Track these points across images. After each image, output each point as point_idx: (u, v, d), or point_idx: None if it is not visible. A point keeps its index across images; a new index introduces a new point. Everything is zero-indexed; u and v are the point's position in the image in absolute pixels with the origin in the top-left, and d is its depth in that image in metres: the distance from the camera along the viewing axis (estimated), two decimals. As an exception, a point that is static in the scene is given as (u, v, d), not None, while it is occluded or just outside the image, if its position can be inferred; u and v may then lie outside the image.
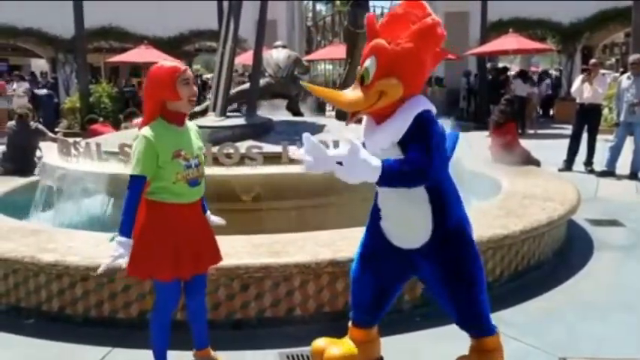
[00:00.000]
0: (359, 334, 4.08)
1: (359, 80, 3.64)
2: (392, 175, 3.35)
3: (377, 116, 3.64)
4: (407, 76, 3.54)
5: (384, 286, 3.97)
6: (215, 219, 4.14)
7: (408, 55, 3.50)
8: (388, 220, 3.80)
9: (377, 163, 3.29)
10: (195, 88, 3.81)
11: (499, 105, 11.62)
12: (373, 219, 3.91)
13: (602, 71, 16.29)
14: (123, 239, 3.61)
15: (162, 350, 4.01)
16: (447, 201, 3.68)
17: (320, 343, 4.07)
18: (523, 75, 22.48)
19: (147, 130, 3.69)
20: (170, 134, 3.73)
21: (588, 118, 12.47)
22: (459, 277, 3.74)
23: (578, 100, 12.69)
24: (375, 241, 3.91)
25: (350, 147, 3.27)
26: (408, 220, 3.72)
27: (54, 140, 9.71)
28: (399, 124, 3.50)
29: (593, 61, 13.98)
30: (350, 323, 4.12)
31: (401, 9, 3.61)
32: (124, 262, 3.70)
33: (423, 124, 3.47)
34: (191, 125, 4.01)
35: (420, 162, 3.38)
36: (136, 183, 3.64)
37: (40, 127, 10.74)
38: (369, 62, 3.58)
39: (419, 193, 3.60)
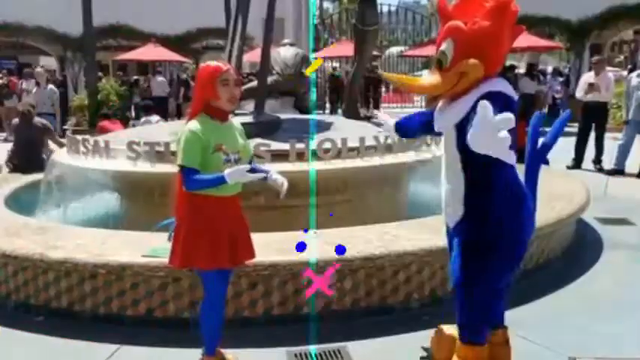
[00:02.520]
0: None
1: (437, 65, 3.63)
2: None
3: (454, 96, 3.62)
4: (486, 55, 3.51)
5: None
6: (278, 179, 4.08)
7: (486, 34, 3.48)
8: (442, 190, 3.84)
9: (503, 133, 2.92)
10: (236, 90, 3.85)
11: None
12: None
13: (609, 69, 16.18)
14: (226, 175, 3.66)
15: (212, 342, 4.06)
16: (487, 189, 3.59)
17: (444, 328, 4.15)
18: (530, 72, 22.41)
19: (192, 124, 3.80)
20: (212, 129, 3.80)
21: (594, 116, 12.43)
22: (462, 280, 3.71)
23: (582, 99, 12.64)
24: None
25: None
26: (448, 192, 3.76)
27: (60, 145, 9.74)
28: (465, 104, 3.50)
29: (596, 57, 13.90)
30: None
31: None
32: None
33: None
34: (236, 123, 4.10)
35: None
36: (187, 174, 3.72)
37: (48, 125, 10.75)
38: (445, 45, 3.58)
39: (455, 164, 3.63)
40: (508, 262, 3.77)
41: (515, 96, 3.59)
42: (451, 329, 4.07)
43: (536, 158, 3.97)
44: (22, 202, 7.36)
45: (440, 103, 3.77)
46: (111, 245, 5.19)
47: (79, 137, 7.24)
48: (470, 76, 3.51)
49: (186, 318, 4.86)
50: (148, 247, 4.96)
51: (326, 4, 44.34)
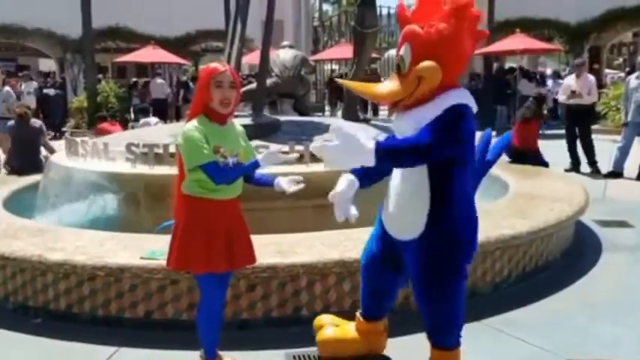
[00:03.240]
0: (362, 325, 4.22)
1: (396, 70, 3.61)
2: (387, 153, 3.29)
3: (415, 103, 3.55)
4: (444, 58, 3.45)
5: (384, 279, 4.03)
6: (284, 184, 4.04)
7: (443, 37, 3.43)
8: (389, 208, 3.79)
9: (370, 144, 3.22)
10: (231, 92, 3.80)
11: (527, 101, 11.82)
12: (380, 210, 3.95)
13: (608, 71, 16.21)
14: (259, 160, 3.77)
15: (211, 345, 4.04)
16: (450, 200, 3.56)
17: (324, 319, 4.32)
18: (527, 74, 22.45)
19: (190, 124, 3.79)
20: (210, 131, 3.78)
21: (577, 119, 12.42)
22: (437, 283, 3.67)
23: (565, 102, 12.70)
24: (378, 233, 3.97)
25: (339, 132, 3.22)
26: (405, 208, 3.67)
27: (50, 150, 9.77)
28: (426, 112, 3.44)
29: (578, 60, 13.94)
30: (358, 313, 4.24)
31: None
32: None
33: (450, 119, 3.38)
34: (237, 125, 4.08)
35: (416, 140, 3.34)
36: (210, 169, 3.69)
37: (43, 127, 10.76)
38: (403, 50, 3.55)
39: (421, 182, 3.54)
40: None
41: (475, 107, 3.56)
42: (335, 329, 4.26)
43: (480, 172, 4.00)
44: (20, 204, 7.34)
45: (397, 111, 3.72)
46: (109, 247, 5.18)
47: (78, 139, 7.24)
48: (428, 80, 3.46)
49: (184, 320, 4.84)
50: (146, 250, 4.96)
51: (325, 7, 44.34)
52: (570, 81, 12.72)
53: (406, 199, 3.66)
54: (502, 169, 8.63)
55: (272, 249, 4.92)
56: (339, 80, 4.10)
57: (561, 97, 12.91)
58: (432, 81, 3.45)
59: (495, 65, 25.02)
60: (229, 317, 4.66)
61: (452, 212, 3.58)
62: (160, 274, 4.72)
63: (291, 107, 10.20)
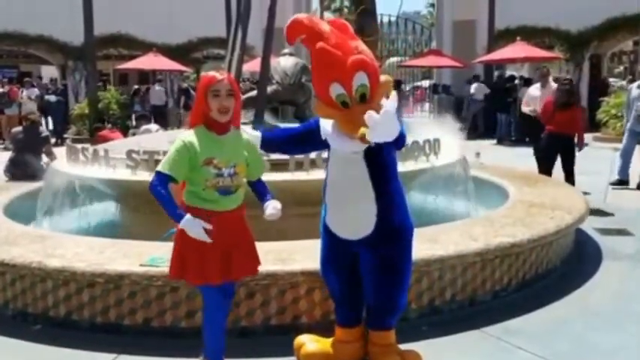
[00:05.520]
0: (342, 333, 4.33)
1: (360, 100, 3.79)
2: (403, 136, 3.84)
3: None
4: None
5: (345, 281, 4.24)
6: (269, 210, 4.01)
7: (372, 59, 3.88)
8: (334, 212, 4.08)
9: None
10: (228, 102, 3.80)
11: (560, 85, 11.04)
12: (323, 218, 4.20)
13: (612, 80, 16.13)
14: (183, 220, 3.71)
15: (216, 353, 4.06)
16: (393, 198, 4.00)
17: (302, 338, 4.40)
18: (529, 82, 22.43)
19: (185, 134, 3.82)
20: (207, 141, 3.79)
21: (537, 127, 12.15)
22: (393, 271, 4.06)
23: (530, 113, 12.29)
24: (327, 239, 4.22)
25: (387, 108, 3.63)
26: (353, 211, 3.99)
27: (52, 157, 9.77)
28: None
29: (542, 69, 13.56)
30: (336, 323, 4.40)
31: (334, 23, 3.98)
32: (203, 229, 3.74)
33: None
34: (243, 136, 4.04)
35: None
36: (158, 179, 3.74)
37: (49, 136, 10.79)
38: (363, 79, 3.77)
39: (365, 184, 3.93)
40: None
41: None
42: (316, 344, 4.35)
43: None
44: (20, 211, 7.34)
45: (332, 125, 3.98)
46: (109, 254, 5.17)
47: (79, 146, 7.24)
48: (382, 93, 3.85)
49: (183, 327, 4.85)
50: (146, 257, 4.96)
51: (327, 14, 44.35)
52: (535, 91, 12.60)
53: (353, 202, 3.98)
54: (502, 176, 8.65)
55: (272, 256, 4.90)
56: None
57: (525, 108, 12.67)
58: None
59: (496, 73, 25.03)
60: (229, 325, 4.66)
61: (395, 205, 4.01)
62: (160, 281, 4.72)
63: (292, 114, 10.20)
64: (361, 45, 3.88)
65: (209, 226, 3.72)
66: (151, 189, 3.75)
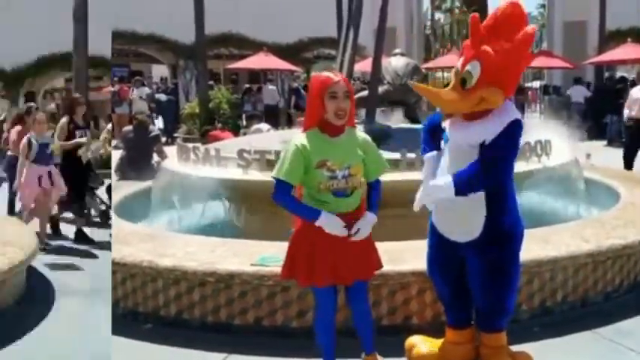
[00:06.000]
0: (453, 335, 4.26)
1: (459, 82, 3.72)
2: (463, 186, 3.67)
3: (469, 116, 3.78)
4: (508, 84, 3.75)
5: (452, 283, 4.16)
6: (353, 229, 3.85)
7: (512, 65, 3.70)
8: (441, 210, 3.98)
9: (447, 181, 3.70)
10: (345, 104, 3.70)
11: None
12: (432, 219, 4.12)
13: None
14: (320, 216, 3.67)
15: (329, 351, 4.04)
16: (504, 203, 3.87)
17: (414, 339, 4.33)
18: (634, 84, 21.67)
19: (298, 137, 3.76)
20: (320, 143, 3.73)
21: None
22: (501, 274, 3.93)
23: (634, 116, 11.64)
24: (434, 239, 4.14)
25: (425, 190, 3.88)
26: (461, 213, 3.87)
27: (163, 156, 9.87)
28: (494, 126, 3.67)
29: None
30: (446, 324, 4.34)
31: (502, 12, 3.72)
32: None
33: (513, 133, 3.70)
34: (359, 135, 3.94)
35: (482, 161, 3.66)
36: (278, 187, 3.72)
37: (159, 135, 10.97)
38: (471, 67, 3.70)
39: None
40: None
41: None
42: (428, 345, 4.27)
43: None
44: (131, 210, 7.45)
45: (451, 120, 3.90)
46: (220, 253, 5.19)
47: (190, 145, 7.30)
48: (489, 102, 3.67)
49: (294, 327, 4.82)
50: (257, 256, 4.93)
51: (437, 15, 44.03)
52: (638, 93, 11.88)
53: (463, 205, 3.80)
54: (613, 177, 8.44)
55: (384, 257, 4.77)
56: (411, 82, 4.12)
57: (628, 112, 11.92)
58: (493, 104, 3.69)
59: (606, 75, 24.37)
60: (339, 325, 4.56)
61: (506, 208, 3.87)
62: (270, 280, 4.71)
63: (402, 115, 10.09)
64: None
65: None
66: (275, 200, 3.75)
